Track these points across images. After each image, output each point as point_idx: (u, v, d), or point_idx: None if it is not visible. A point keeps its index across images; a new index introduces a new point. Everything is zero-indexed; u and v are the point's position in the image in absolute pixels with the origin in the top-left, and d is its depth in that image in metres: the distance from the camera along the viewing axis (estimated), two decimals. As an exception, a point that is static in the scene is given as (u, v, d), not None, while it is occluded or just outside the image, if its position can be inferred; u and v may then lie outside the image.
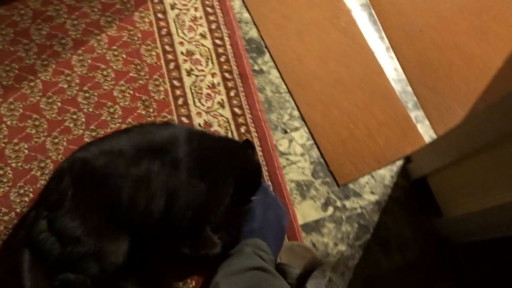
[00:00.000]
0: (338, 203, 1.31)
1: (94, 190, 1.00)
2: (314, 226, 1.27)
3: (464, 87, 1.52)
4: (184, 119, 1.34)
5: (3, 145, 1.24)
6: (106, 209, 0.99)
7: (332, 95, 1.46)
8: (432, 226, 1.30)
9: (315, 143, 1.38)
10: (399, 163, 1.39)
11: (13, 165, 1.23)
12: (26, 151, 1.24)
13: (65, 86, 1.33)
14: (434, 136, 1.44)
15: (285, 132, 1.39)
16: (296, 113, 1.42)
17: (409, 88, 1.51)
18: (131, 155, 1.00)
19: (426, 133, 1.44)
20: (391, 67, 1.53)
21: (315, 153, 1.37)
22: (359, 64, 1.51)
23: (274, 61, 1.48)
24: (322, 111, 1.43)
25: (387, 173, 1.36)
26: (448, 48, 1.60)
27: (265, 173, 1.30)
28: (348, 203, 1.31)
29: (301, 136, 1.39)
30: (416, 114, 1.47)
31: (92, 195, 1.00)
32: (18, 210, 1.18)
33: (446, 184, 1.25)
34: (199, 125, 1.34)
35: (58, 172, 1.03)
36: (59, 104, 1.31)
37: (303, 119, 1.41)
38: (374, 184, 1.35)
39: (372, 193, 1.33)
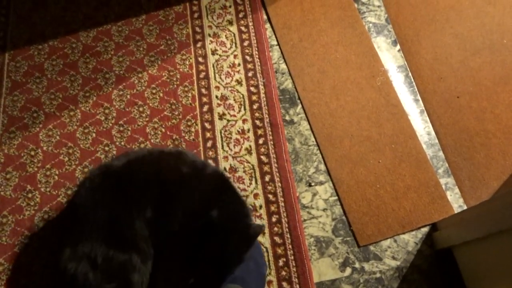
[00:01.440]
0: (357, 265, 1.27)
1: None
2: (329, 286, 1.23)
3: (501, 159, 1.48)
4: (211, 162, 1.36)
5: (36, 169, 1.29)
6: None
7: (361, 153, 1.45)
8: (455, 302, 1.23)
9: (339, 199, 1.36)
10: (425, 230, 1.34)
11: (42, 189, 1.27)
12: (56, 177, 1.29)
13: (102, 118, 1.39)
14: (464, 206, 1.39)
15: (310, 185, 1.38)
16: (322, 167, 1.41)
17: (441, 154, 1.48)
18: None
19: (456, 201, 1.39)
20: (424, 130, 1.51)
21: (337, 210, 1.35)
22: (391, 125, 1.50)
23: (305, 113, 1.49)
24: (349, 168, 1.42)
25: (411, 239, 1.32)
26: (486, 117, 1.56)
27: (284, 225, 1.29)
28: (367, 266, 1.27)
29: (325, 191, 1.37)
30: (446, 181, 1.42)
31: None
32: (40, 234, 1.21)
33: (473, 259, 1.19)
34: (225, 169, 1.35)
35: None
36: (94, 135, 1.36)
37: (329, 174, 1.40)
38: (397, 249, 1.30)
39: (394, 258, 1.28)
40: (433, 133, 1.51)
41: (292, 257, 1.24)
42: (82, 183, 1.10)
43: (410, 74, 1.62)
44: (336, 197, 1.36)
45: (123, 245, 1.02)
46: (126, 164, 1.10)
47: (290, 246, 1.26)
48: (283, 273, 1.23)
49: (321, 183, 1.38)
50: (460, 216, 1.27)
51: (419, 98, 1.57)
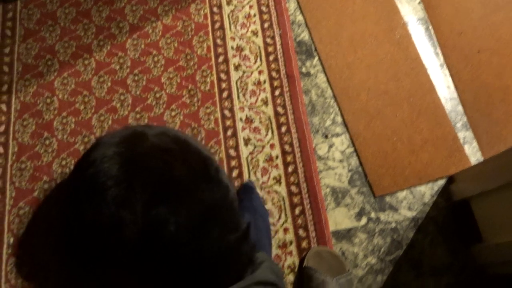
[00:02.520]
0: (373, 215, 1.27)
1: (120, 160, 0.99)
2: (345, 235, 1.24)
3: (519, 114, 1.45)
4: (227, 112, 1.35)
5: (52, 116, 1.29)
6: (123, 187, 0.96)
7: (378, 107, 1.43)
8: (469, 252, 1.24)
9: (355, 151, 1.35)
10: (441, 182, 1.33)
11: (59, 137, 1.27)
12: (73, 125, 1.29)
13: (117, 67, 1.37)
14: (481, 159, 1.38)
15: (326, 137, 1.37)
16: (339, 119, 1.40)
17: (460, 108, 1.45)
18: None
19: (473, 155, 1.38)
20: (443, 84, 1.48)
21: (354, 161, 1.34)
22: (409, 78, 1.48)
23: (322, 66, 1.47)
24: (366, 121, 1.40)
25: (427, 191, 1.31)
26: (506, 73, 1.53)
27: (300, 175, 1.28)
28: (383, 216, 1.27)
29: (341, 142, 1.36)
30: (464, 135, 1.41)
31: (117, 165, 0.98)
32: (58, 181, 1.21)
33: (490, 209, 1.19)
34: (241, 119, 1.34)
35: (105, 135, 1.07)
36: (109, 84, 1.35)
37: (346, 126, 1.39)
38: (412, 201, 1.30)
39: (409, 209, 1.29)
40: (452, 87, 1.49)
41: (308, 206, 1.25)
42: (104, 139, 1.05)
43: (430, 27, 1.58)
44: (353, 149, 1.36)
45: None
46: (155, 143, 1.03)
47: (306, 196, 1.26)
48: (299, 221, 1.23)
49: (338, 135, 1.37)
50: (478, 167, 1.27)
51: (439, 52, 1.54)
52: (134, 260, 0.98)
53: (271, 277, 0.95)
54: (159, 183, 0.97)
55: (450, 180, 1.34)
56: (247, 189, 1.21)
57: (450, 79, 1.50)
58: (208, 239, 0.94)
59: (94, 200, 0.96)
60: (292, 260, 1.19)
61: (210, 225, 0.95)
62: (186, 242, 0.93)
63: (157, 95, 1.35)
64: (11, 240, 1.15)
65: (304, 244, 1.21)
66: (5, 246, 1.14)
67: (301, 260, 1.18)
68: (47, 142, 1.26)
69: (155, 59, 1.40)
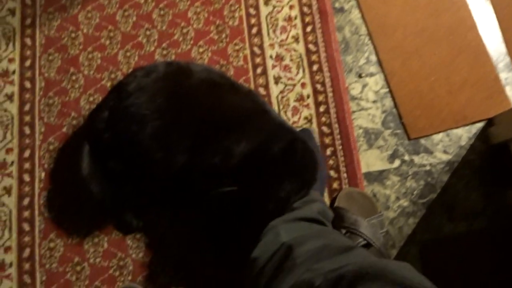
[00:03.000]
0: (406, 157, 1.23)
1: (165, 92, 0.99)
2: (377, 177, 1.21)
3: None
4: (256, 49, 1.29)
5: (78, 51, 1.26)
6: (170, 118, 0.98)
7: (415, 44, 1.35)
8: (504, 196, 1.20)
9: (390, 91, 1.29)
10: (479, 125, 1.27)
11: (86, 72, 1.24)
12: (99, 60, 1.25)
13: (142, 1, 1.31)
14: (524, 102, 1.31)
15: (360, 76, 1.31)
16: (373, 58, 1.33)
17: (503, 47, 1.36)
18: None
19: (515, 97, 1.31)
20: (486, 22, 1.38)
21: (388, 102, 1.28)
22: (450, 15, 1.38)
23: (357, 1, 1.38)
24: (402, 60, 1.33)
25: (464, 134, 1.26)
26: (556, 9, 1.42)
27: (332, 115, 1.24)
28: (417, 159, 1.23)
29: (375, 82, 1.30)
30: (506, 76, 1.33)
31: (161, 97, 0.99)
32: (86, 118, 1.20)
33: (532, 152, 1.14)
34: (271, 57, 1.29)
35: (141, 68, 1.06)
36: (134, 18, 1.30)
37: (381, 66, 1.32)
38: (448, 143, 1.25)
39: (445, 152, 1.24)
40: (496, 25, 1.39)
41: (340, 147, 1.22)
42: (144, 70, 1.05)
43: (475, -42, 1.45)
44: (387, 89, 1.30)
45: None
46: (202, 77, 1.04)
47: (338, 137, 1.22)
48: (331, 162, 1.20)
49: (372, 74, 1.31)
50: (520, 109, 1.20)
51: (483, -14, 1.42)
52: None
53: (319, 216, 0.95)
54: (213, 115, 0.99)
55: (489, 122, 1.28)
56: (307, 134, 1.17)
57: (494, 16, 1.40)
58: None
59: (132, 132, 0.97)
60: (322, 200, 1.17)
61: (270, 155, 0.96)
62: (246, 172, 0.94)
63: (184, 30, 1.29)
64: (42, 174, 1.15)
65: (335, 185, 1.19)
66: (37, 180, 1.15)
67: (332, 201, 1.17)
68: (74, 77, 1.23)
69: (181, -9, 1.33)
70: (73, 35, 1.27)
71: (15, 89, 1.22)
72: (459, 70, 1.33)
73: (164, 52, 1.27)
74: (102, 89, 1.22)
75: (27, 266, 1.09)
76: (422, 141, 1.25)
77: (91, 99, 1.21)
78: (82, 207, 1.12)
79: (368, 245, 1.04)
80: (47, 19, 1.27)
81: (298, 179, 0.96)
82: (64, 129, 1.19)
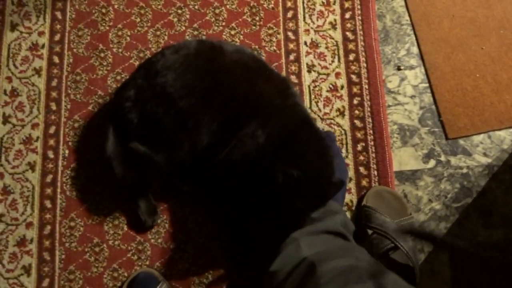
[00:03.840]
0: (443, 158, 1.16)
1: (196, 70, 0.97)
2: (409, 176, 1.15)
3: None
4: (290, 34, 1.23)
5: (107, 28, 1.23)
6: (198, 98, 0.96)
7: (462, 37, 1.26)
8: (548, 207, 1.12)
9: (430, 87, 1.22)
10: (525, 128, 1.19)
11: (114, 50, 1.21)
12: (128, 38, 1.22)
13: (175, -22, 1.27)
14: None
15: (398, 68, 1.23)
16: (415, 49, 1.25)
17: (559, 45, 1.26)
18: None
19: None
20: (542, 16, 1.27)
21: (427, 98, 1.21)
22: (502, 6, 1.28)
23: (401, -13, 1.29)
24: (446, 53, 1.24)
25: (507, 137, 1.18)
26: None
27: (366, 109, 1.18)
28: (453, 160, 1.16)
29: (415, 76, 1.23)
30: (559, 77, 1.23)
31: (191, 75, 0.96)
32: (112, 96, 1.17)
33: None
34: (305, 43, 1.23)
35: (171, 46, 1.04)
36: (166, -5, 1.25)
37: (422, 58, 1.24)
38: (490, 146, 1.17)
39: (485, 155, 1.16)
40: (552, 20, 1.28)
41: (372, 143, 1.16)
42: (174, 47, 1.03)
43: None
44: (427, 84, 1.22)
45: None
46: (235, 59, 1.01)
47: (371, 132, 1.16)
48: (361, 158, 1.15)
49: (412, 67, 1.23)
50: None
51: (542, -23, 1.31)
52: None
53: (342, 229, 0.91)
54: (245, 102, 0.96)
55: (537, 126, 1.19)
56: (331, 137, 1.12)
57: (550, 10, 1.29)
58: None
59: (156, 112, 0.96)
60: (349, 197, 1.12)
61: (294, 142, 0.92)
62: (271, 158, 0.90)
63: (217, 11, 1.24)
64: (66, 152, 1.14)
65: (364, 182, 1.14)
66: (60, 157, 1.14)
67: (360, 199, 1.12)
68: (102, 54, 1.21)
69: (216, -30, 1.27)
70: (103, 10, 1.24)
71: (44, 63, 1.20)
72: (507, 68, 1.23)
73: (195, 32, 1.23)
74: (130, 67, 1.19)
75: (47, 243, 1.09)
76: (461, 141, 1.18)
77: (118, 77, 1.19)
78: (104, 187, 1.11)
79: (395, 248, 0.99)
80: (79, -8, 1.25)
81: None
82: (90, 107, 1.17)
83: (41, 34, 1.23)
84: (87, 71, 1.19)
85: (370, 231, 1.03)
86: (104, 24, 1.23)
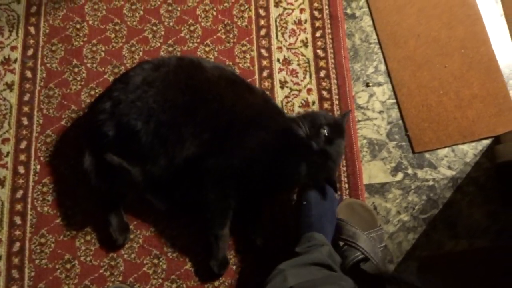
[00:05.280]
0: (410, 171, 1.21)
1: (177, 87, 0.99)
2: (379, 189, 1.19)
3: None
4: (263, 52, 1.27)
5: (82, 43, 1.23)
6: (181, 113, 0.98)
7: (426, 56, 1.32)
8: (508, 217, 1.18)
9: (397, 103, 1.27)
10: (486, 142, 1.25)
11: (88, 65, 1.22)
12: (102, 53, 1.23)
13: (150, -5, 1.29)
14: (533, 121, 1.28)
15: (367, 85, 1.28)
16: (382, 67, 1.30)
17: (516, 64, 1.34)
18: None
19: (525, 116, 1.28)
20: (499, 37, 1.35)
21: (394, 113, 1.26)
22: (464, 27, 1.35)
23: (369, 7, 1.35)
24: (412, 71, 1.30)
25: (470, 150, 1.23)
26: None
27: (337, 124, 1.21)
28: (420, 173, 1.21)
29: (383, 92, 1.28)
30: (517, 94, 1.30)
31: (172, 92, 0.99)
32: (86, 110, 1.17)
33: (539, 174, 1.11)
34: (278, 60, 1.26)
35: (148, 61, 1.06)
36: (141, 12, 1.27)
37: (389, 76, 1.29)
38: (454, 159, 1.22)
39: (450, 167, 1.22)
40: (509, 40, 1.36)
41: (343, 157, 1.19)
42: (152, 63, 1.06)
43: (492, -29, 1.42)
44: (394, 100, 1.27)
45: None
46: (216, 74, 1.05)
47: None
48: (333, 171, 1.18)
49: (380, 84, 1.28)
50: (529, 129, 1.18)
51: (499, 1, 1.40)
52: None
53: (328, 260, 0.92)
54: (234, 112, 1.01)
55: (497, 140, 1.25)
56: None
57: (507, 31, 1.37)
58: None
59: (136, 126, 0.97)
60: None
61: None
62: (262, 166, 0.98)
63: (192, 28, 1.27)
64: (38, 167, 1.13)
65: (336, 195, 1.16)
66: (31, 173, 1.12)
67: (332, 211, 1.14)
68: (76, 69, 1.21)
69: (191, -12, 1.30)
70: (78, 26, 1.24)
71: (16, 78, 1.20)
72: (469, 85, 1.30)
73: (170, 48, 1.25)
74: (104, 82, 1.19)
75: (16, 260, 1.07)
76: (427, 155, 1.23)
77: (92, 92, 1.19)
78: (77, 202, 1.10)
79: (365, 259, 1.01)
80: (53, 8, 1.25)
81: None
82: (63, 122, 1.16)
83: (13, 48, 1.22)
84: (60, 86, 1.19)
85: (341, 243, 1.05)
86: (78, 39, 1.23)
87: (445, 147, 1.23)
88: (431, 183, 1.20)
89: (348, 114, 1.06)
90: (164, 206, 1.07)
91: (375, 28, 1.34)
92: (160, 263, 1.08)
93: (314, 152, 0.95)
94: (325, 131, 0.97)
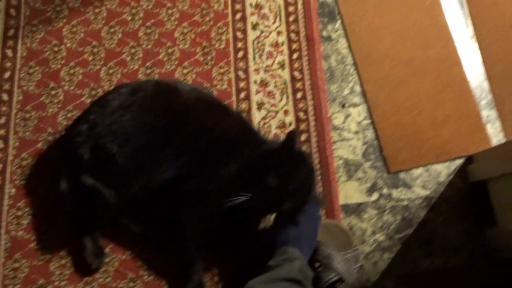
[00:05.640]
0: (385, 191, 1.23)
1: (154, 111, 1.00)
2: (355, 209, 1.20)
3: (549, 95, 1.37)
4: (241, 74, 1.28)
5: (59, 66, 1.24)
6: (158, 136, 0.99)
7: (401, 77, 1.35)
8: (482, 235, 1.20)
9: (373, 123, 1.29)
10: (459, 161, 1.28)
11: (66, 87, 1.22)
12: (80, 76, 1.23)
13: (129, 18, 1.30)
14: (503, 140, 1.31)
15: (343, 106, 1.30)
16: (358, 88, 1.33)
17: (486, 85, 1.37)
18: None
19: (495, 135, 1.32)
20: (470, 58, 1.39)
21: (370, 134, 1.28)
22: (436, 49, 1.39)
23: (345, 30, 1.38)
24: (387, 92, 1.33)
25: (444, 170, 1.26)
26: (539, 51, 1.44)
27: (313, 144, 1.23)
28: (395, 193, 1.23)
29: (359, 113, 1.30)
30: (488, 114, 1.34)
31: (149, 116, 1.00)
32: (63, 133, 1.17)
33: (509, 193, 1.14)
34: (255, 82, 1.28)
35: (125, 85, 1.07)
36: (120, 35, 1.28)
37: (365, 96, 1.32)
38: (428, 179, 1.25)
39: (424, 187, 1.24)
40: (480, 62, 1.40)
41: (320, 177, 1.20)
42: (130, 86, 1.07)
43: (463, -5, 1.47)
44: (370, 121, 1.29)
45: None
46: (193, 97, 1.06)
47: (318, 166, 1.22)
48: (309, 192, 1.19)
49: (355, 105, 1.31)
50: (499, 148, 1.21)
51: (469, 24, 1.44)
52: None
53: (298, 276, 0.92)
54: (212, 135, 1.02)
55: (469, 160, 1.28)
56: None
57: (478, 53, 1.41)
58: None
59: (112, 149, 0.98)
60: (298, 230, 1.15)
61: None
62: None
63: (170, 50, 1.28)
64: (13, 191, 1.12)
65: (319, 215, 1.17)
66: (6, 197, 1.12)
67: (308, 232, 1.15)
68: (53, 92, 1.21)
69: (169, 11, 1.32)
70: (56, 48, 1.25)
71: (-8, 101, 1.19)
72: (442, 105, 1.33)
73: (148, 71, 1.26)
74: (81, 105, 1.20)
75: (-12, 286, 1.06)
76: (402, 175, 1.25)
77: (69, 115, 1.19)
78: (52, 226, 1.09)
79: (340, 280, 1.02)
80: (31, 31, 1.25)
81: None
82: (39, 145, 1.16)
83: (-10, 71, 1.22)
84: (37, 108, 1.19)
85: (317, 264, 1.06)
86: (56, 62, 1.24)
87: (419, 166, 1.26)
88: (405, 202, 1.22)
89: (295, 134, 1.04)
90: (140, 230, 1.07)
91: (350, 50, 1.37)
92: (136, 287, 1.07)
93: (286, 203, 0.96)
94: (273, 181, 0.94)
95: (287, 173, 0.95)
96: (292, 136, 0.96)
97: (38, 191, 1.12)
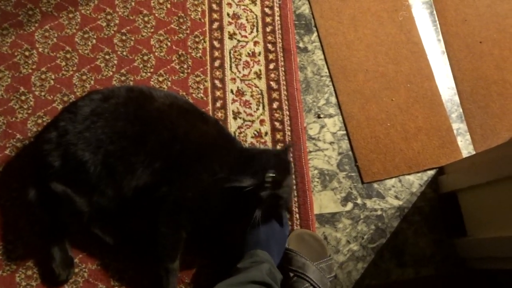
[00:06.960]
0: (359, 201, 1.24)
1: (127, 117, 0.98)
2: (329, 219, 1.21)
3: (516, 111, 1.42)
4: (217, 82, 1.28)
5: (30, 71, 1.21)
6: (131, 143, 0.97)
7: (374, 90, 1.38)
8: (452, 245, 1.22)
9: (347, 134, 1.31)
10: (431, 173, 1.30)
11: (37, 93, 1.19)
12: (52, 81, 1.21)
13: (104, 24, 1.29)
14: (473, 152, 1.35)
15: (318, 116, 1.31)
16: (333, 99, 1.34)
17: (457, 99, 1.42)
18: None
19: (466, 148, 1.35)
20: (442, 73, 1.43)
21: (345, 144, 1.30)
22: (409, 63, 1.43)
23: (321, 42, 1.40)
24: (361, 104, 1.35)
25: (416, 181, 1.28)
26: (507, 67, 1.49)
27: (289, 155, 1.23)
28: (369, 203, 1.24)
29: (334, 124, 1.31)
30: (458, 126, 1.37)
31: (122, 122, 0.98)
32: (32, 140, 1.14)
33: (478, 203, 1.17)
34: (231, 91, 1.28)
35: (97, 92, 1.05)
36: (94, 41, 1.26)
37: (340, 108, 1.34)
38: (400, 189, 1.27)
39: (397, 197, 1.26)
40: (451, 76, 1.45)
41: (294, 187, 1.21)
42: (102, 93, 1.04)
43: (434, 12, 1.52)
44: (345, 132, 1.31)
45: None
46: (168, 103, 1.05)
47: (293, 176, 1.21)
48: (284, 201, 1.19)
49: (331, 116, 1.32)
50: (469, 160, 1.24)
51: (441, 39, 1.49)
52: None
53: (267, 279, 0.91)
54: (187, 140, 1.01)
55: (440, 171, 1.31)
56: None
57: (449, 67, 1.46)
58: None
59: (84, 157, 0.95)
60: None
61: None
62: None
63: (145, 57, 1.27)
64: (-22, 198, 1.08)
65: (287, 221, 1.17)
66: (-29, 204, 1.07)
67: (283, 242, 1.14)
68: (23, 97, 1.18)
69: (146, 19, 1.31)
70: (27, 53, 1.22)
71: (-42, 105, 1.15)
72: (414, 118, 1.36)
73: (122, 78, 1.24)
74: (52, 111, 1.17)
75: (-51, 299, 1.01)
76: (375, 185, 1.27)
77: (39, 121, 1.16)
78: (18, 235, 1.05)
79: (315, 290, 1.02)
80: (1, 35, 1.22)
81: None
82: (7, 151, 1.12)
83: (-44, 74, 1.18)
84: (5, 114, 1.15)
85: (291, 274, 1.05)
86: (26, 67, 1.20)
87: (392, 177, 1.28)
88: (379, 212, 1.24)
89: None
90: (111, 241, 1.04)
91: (326, 62, 1.39)
92: (106, 298, 1.04)
93: (265, 200, 0.96)
94: (271, 176, 0.97)
95: (282, 175, 0.98)
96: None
97: (3, 200, 1.08)
